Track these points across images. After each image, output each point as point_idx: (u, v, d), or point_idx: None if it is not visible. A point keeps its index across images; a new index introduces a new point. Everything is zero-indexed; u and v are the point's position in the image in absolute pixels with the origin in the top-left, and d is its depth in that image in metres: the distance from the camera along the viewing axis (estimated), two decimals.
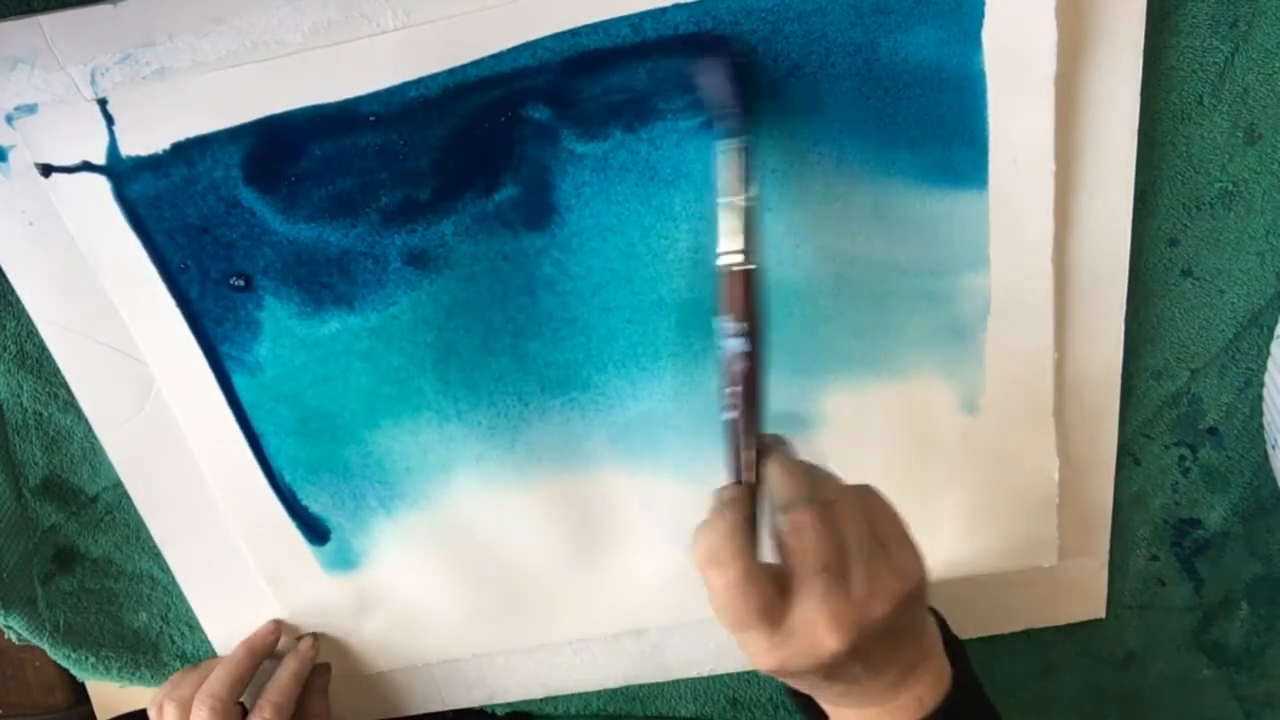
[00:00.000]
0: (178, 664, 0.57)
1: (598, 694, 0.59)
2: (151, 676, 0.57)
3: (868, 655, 0.36)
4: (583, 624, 0.55)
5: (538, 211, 0.44)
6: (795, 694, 0.43)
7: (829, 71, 0.41)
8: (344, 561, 0.53)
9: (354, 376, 0.47)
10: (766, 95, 0.41)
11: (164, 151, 0.42)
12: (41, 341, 0.48)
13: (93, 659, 0.56)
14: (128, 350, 0.48)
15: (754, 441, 0.39)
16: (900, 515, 0.39)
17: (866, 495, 0.39)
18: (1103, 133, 0.43)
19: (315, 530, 0.52)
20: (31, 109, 0.42)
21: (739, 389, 0.39)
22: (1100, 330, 0.47)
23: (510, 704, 0.59)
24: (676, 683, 0.59)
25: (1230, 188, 0.46)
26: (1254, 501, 0.53)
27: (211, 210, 0.44)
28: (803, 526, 0.36)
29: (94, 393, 0.49)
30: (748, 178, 0.39)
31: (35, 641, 0.54)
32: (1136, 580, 0.56)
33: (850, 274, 0.45)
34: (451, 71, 0.41)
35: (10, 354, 0.49)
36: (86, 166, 0.43)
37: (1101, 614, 0.56)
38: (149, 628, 0.56)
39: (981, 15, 0.40)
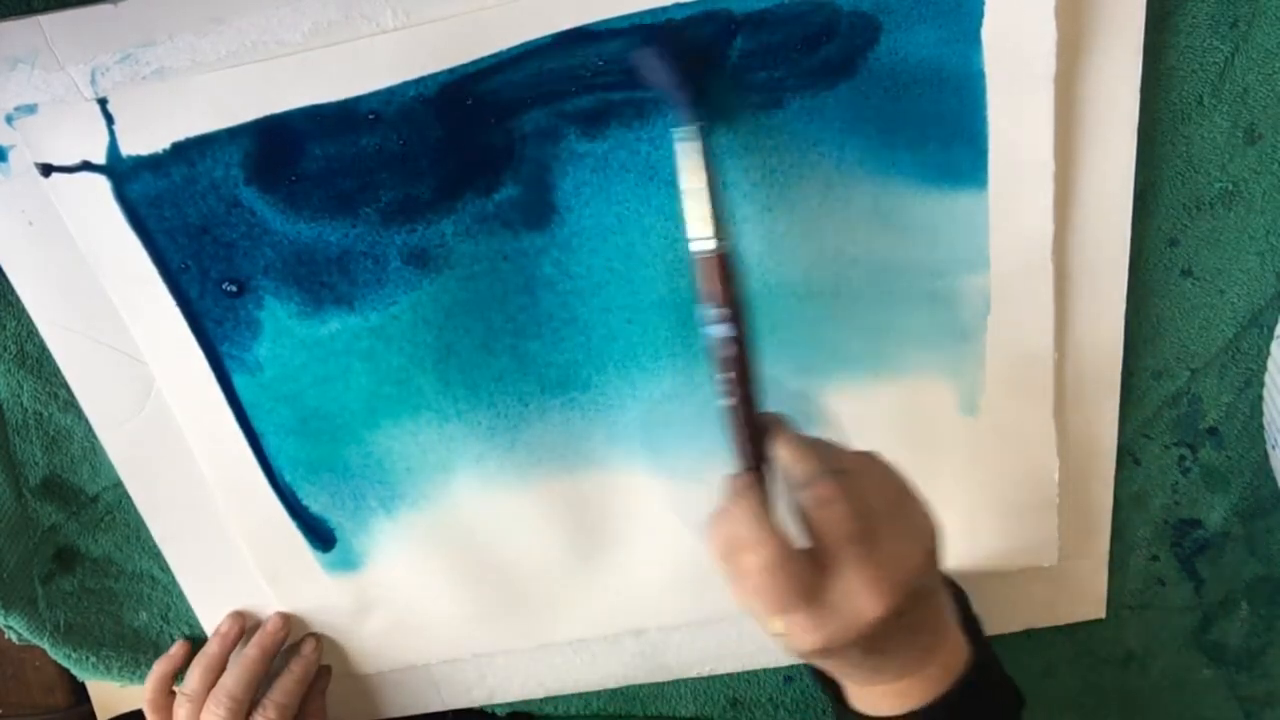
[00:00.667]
0: None
1: (598, 694, 0.59)
2: None
3: (904, 618, 0.36)
4: (583, 624, 0.55)
5: (538, 211, 0.44)
6: (823, 681, 0.43)
7: (828, 71, 0.41)
8: (344, 562, 0.53)
9: (354, 376, 0.47)
10: (727, 82, 0.41)
11: (164, 151, 0.42)
12: (41, 341, 0.48)
13: (93, 659, 0.56)
14: (128, 350, 0.48)
15: (755, 424, 0.39)
16: (904, 474, 0.39)
17: (874, 458, 0.39)
18: (1103, 133, 0.43)
19: (321, 537, 0.52)
20: (31, 109, 0.42)
21: (731, 374, 0.39)
22: (1100, 330, 0.47)
23: (510, 704, 0.59)
24: (676, 683, 0.59)
25: (1230, 188, 0.46)
26: (1254, 501, 0.53)
27: (211, 210, 0.44)
28: (827, 498, 0.36)
29: (94, 393, 0.49)
30: (707, 163, 0.39)
31: (35, 641, 0.54)
32: (1136, 580, 0.56)
33: (850, 274, 0.45)
34: (451, 71, 0.41)
35: (10, 354, 0.49)
36: (86, 166, 0.43)
37: (1101, 614, 0.56)
38: (149, 627, 0.56)
39: (981, 15, 0.40)
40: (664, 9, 0.40)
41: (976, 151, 0.43)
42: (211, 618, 0.55)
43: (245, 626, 0.54)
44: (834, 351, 0.47)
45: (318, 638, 0.55)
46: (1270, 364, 0.48)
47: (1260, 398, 0.50)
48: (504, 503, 0.51)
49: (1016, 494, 0.51)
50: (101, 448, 0.51)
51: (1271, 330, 0.48)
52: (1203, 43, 0.43)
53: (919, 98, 0.42)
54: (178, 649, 0.55)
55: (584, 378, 0.48)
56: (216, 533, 0.52)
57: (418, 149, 0.43)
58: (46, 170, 0.43)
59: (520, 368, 0.47)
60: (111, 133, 0.42)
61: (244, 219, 0.44)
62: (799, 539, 0.37)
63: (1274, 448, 0.50)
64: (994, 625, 0.56)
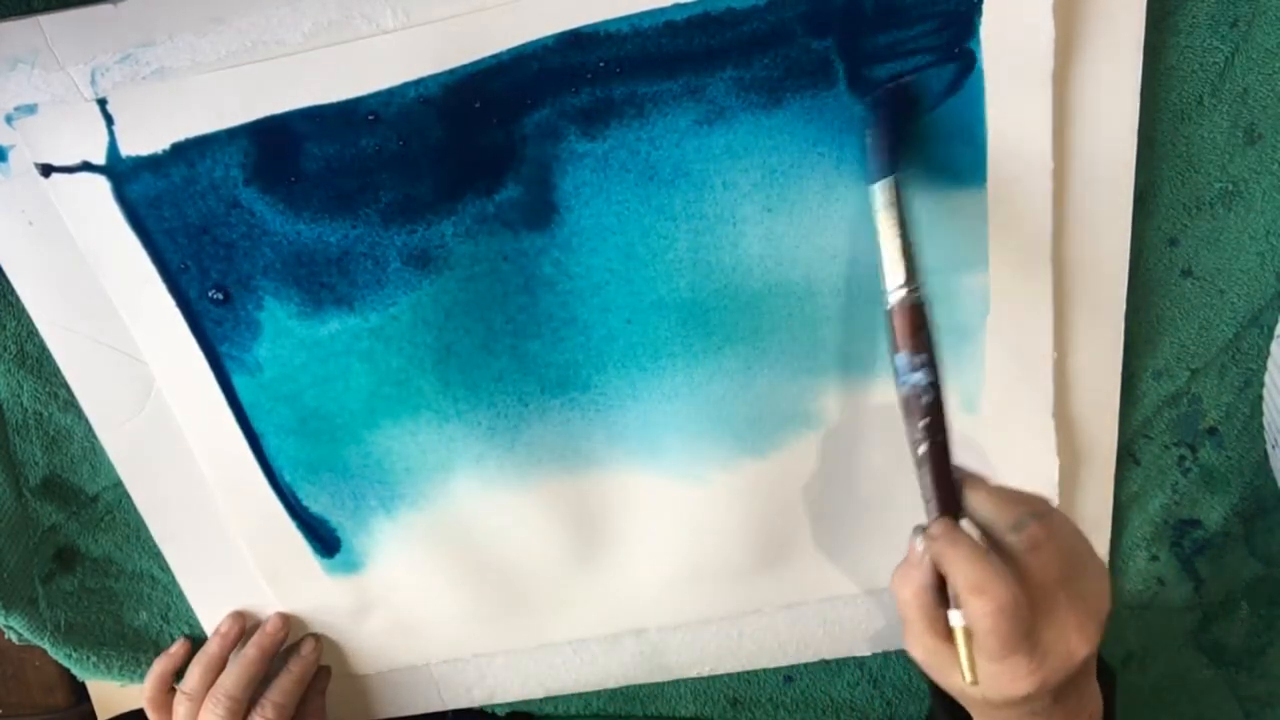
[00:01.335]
0: None
1: (598, 694, 0.59)
2: None
3: (1092, 660, 0.37)
4: (583, 624, 0.55)
5: (538, 211, 0.44)
6: (943, 703, 0.43)
7: (828, 71, 0.41)
8: (344, 562, 0.53)
9: (354, 377, 0.47)
10: (915, 127, 0.42)
11: (164, 151, 0.42)
12: (41, 341, 0.48)
13: (93, 658, 0.56)
14: (128, 350, 0.48)
15: (948, 473, 0.39)
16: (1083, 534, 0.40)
17: (1050, 502, 0.40)
18: (1103, 133, 0.43)
19: (325, 542, 0.52)
20: (31, 109, 0.42)
21: (928, 421, 0.39)
22: (1100, 330, 0.47)
23: (510, 704, 0.59)
24: (676, 683, 0.59)
25: (1230, 188, 0.46)
26: (1254, 501, 0.53)
27: (211, 210, 0.44)
28: (1039, 542, 0.36)
29: (94, 393, 0.49)
30: (902, 213, 0.40)
31: (36, 641, 0.54)
32: (1136, 580, 0.56)
33: (850, 274, 0.45)
34: (451, 71, 0.41)
35: (10, 354, 0.49)
36: (86, 166, 0.43)
37: None
38: (149, 627, 0.56)
39: (980, 15, 0.40)
40: (664, 9, 0.40)
41: (976, 151, 0.43)
42: (211, 618, 0.55)
43: (245, 626, 0.54)
44: (834, 351, 0.47)
45: (317, 638, 0.55)
46: (1270, 364, 0.48)
47: (1260, 398, 0.50)
48: (504, 503, 0.51)
49: None
50: (101, 448, 0.51)
51: (1271, 330, 0.48)
52: (1203, 43, 0.43)
53: (919, 97, 0.42)
54: (178, 647, 0.55)
55: (584, 378, 0.48)
56: (216, 533, 0.52)
57: (417, 149, 0.43)
58: (46, 170, 0.43)
59: (520, 368, 0.47)
60: (111, 133, 0.42)
61: (244, 219, 0.44)
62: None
63: (1274, 448, 0.50)
64: None
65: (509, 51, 0.41)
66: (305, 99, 0.41)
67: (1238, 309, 0.48)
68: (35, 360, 0.49)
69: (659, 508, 0.51)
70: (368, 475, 0.50)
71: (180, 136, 0.42)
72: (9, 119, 0.42)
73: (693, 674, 0.58)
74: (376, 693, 0.58)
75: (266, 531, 0.52)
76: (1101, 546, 0.54)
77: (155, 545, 0.53)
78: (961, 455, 0.40)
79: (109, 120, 0.42)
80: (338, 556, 0.53)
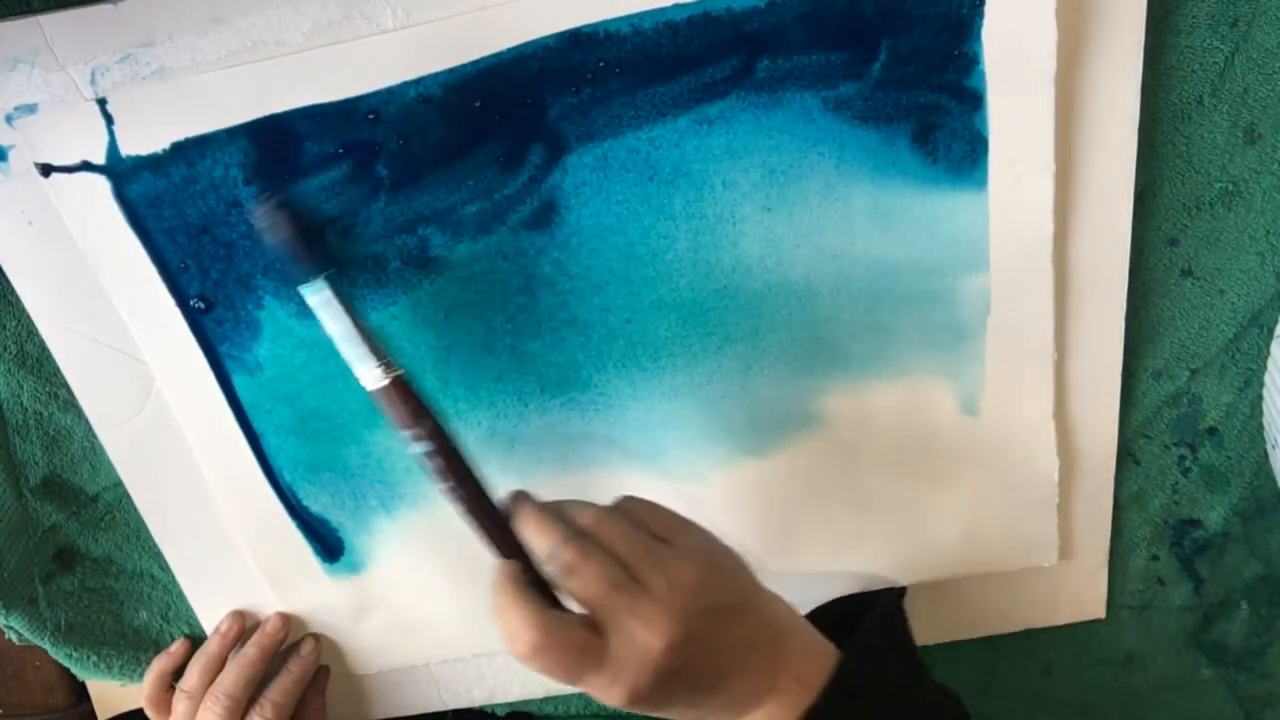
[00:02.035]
0: None
1: None
2: None
3: (709, 639, 0.36)
4: None
5: (537, 211, 0.44)
6: None
7: (828, 71, 0.41)
8: (344, 562, 0.53)
9: (354, 377, 0.47)
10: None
11: (164, 151, 0.42)
12: (41, 341, 0.48)
13: (94, 658, 0.56)
14: (128, 350, 0.48)
15: (495, 514, 0.40)
16: (670, 509, 0.39)
17: (627, 504, 0.40)
18: (1103, 133, 0.43)
19: (328, 547, 0.52)
20: (31, 109, 0.42)
21: (450, 483, 0.40)
22: (1100, 330, 0.47)
23: (510, 704, 0.59)
24: None
25: (1230, 188, 0.46)
26: (1254, 501, 0.53)
27: (211, 210, 0.44)
28: (570, 566, 0.37)
29: (94, 392, 0.49)
30: (346, 305, 0.41)
31: (36, 641, 0.54)
32: (1136, 580, 0.56)
33: (850, 274, 0.45)
34: (451, 71, 0.41)
35: (10, 354, 0.49)
36: (86, 166, 0.43)
37: (1101, 614, 0.56)
38: (149, 626, 0.56)
39: (981, 15, 0.40)
40: (664, 9, 0.40)
41: (976, 151, 0.43)
42: (211, 617, 0.55)
43: (245, 626, 0.54)
44: (834, 351, 0.47)
45: (317, 638, 0.55)
46: (1270, 364, 0.48)
47: (1260, 398, 0.50)
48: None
49: (1016, 494, 0.51)
50: (101, 448, 0.51)
51: (1271, 330, 0.48)
52: (1203, 43, 0.43)
53: (919, 98, 0.42)
54: (178, 646, 0.55)
55: (584, 378, 0.48)
56: (216, 533, 0.52)
57: (417, 149, 0.43)
58: (46, 170, 0.43)
59: (520, 368, 0.47)
60: (111, 133, 0.42)
61: (244, 219, 0.44)
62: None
63: (1274, 448, 0.50)
64: (994, 625, 0.56)
65: (509, 51, 0.41)
66: (305, 99, 0.41)
67: (1238, 309, 0.48)
68: (35, 360, 0.49)
69: None
70: (368, 475, 0.50)
71: (180, 136, 0.42)
72: (9, 119, 0.42)
73: None
74: (376, 693, 0.58)
75: (266, 531, 0.52)
76: (1101, 546, 0.54)
77: (155, 545, 0.53)
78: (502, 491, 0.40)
79: (109, 120, 0.42)
80: (339, 559, 0.53)
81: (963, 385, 0.48)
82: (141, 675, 0.56)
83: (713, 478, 0.50)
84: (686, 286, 0.45)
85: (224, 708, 0.50)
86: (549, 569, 0.37)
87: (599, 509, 0.39)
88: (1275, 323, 0.48)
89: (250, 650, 0.53)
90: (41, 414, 0.51)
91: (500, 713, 0.60)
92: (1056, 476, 0.50)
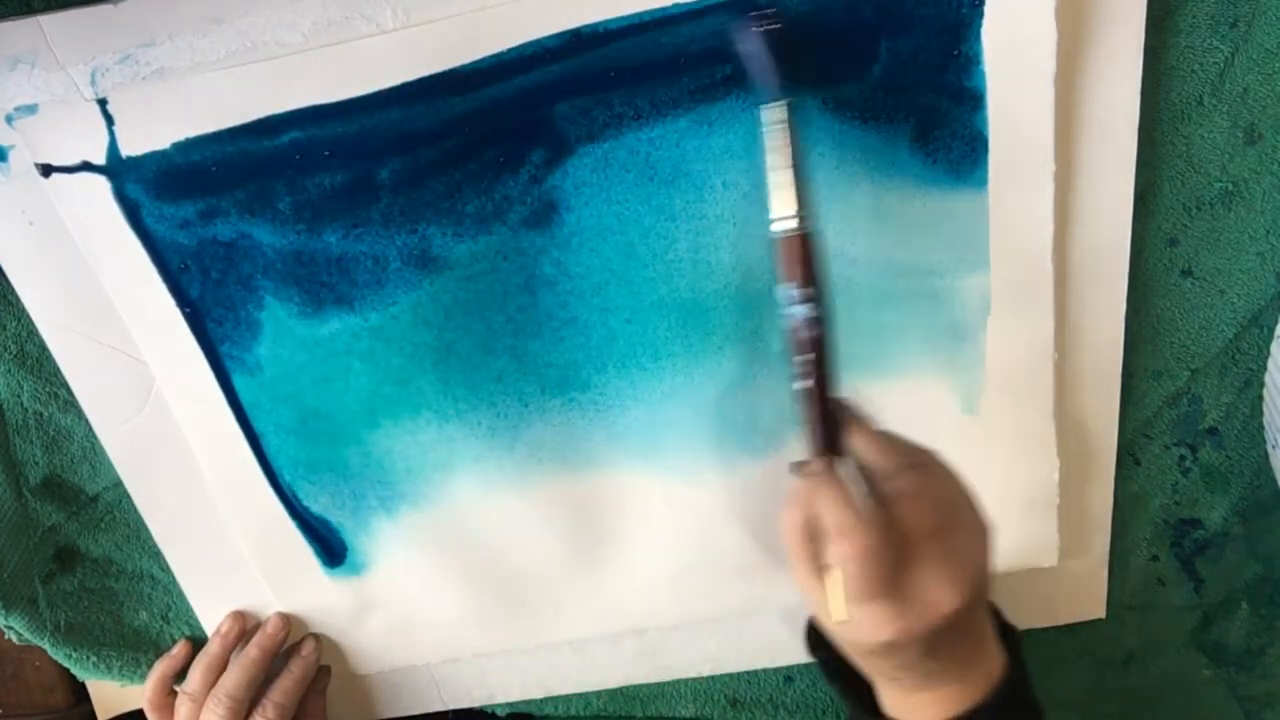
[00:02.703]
0: None
1: (598, 694, 0.59)
2: None
3: (971, 615, 0.37)
4: (583, 624, 0.55)
5: (538, 211, 0.44)
6: (841, 683, 0.43)
7: (828, 72, 0.41)
8: (345, 563, 0.53)
9: (354, 376, 0.47)
10: (801, 59, 0.40)
11: (164, 151, 0.42)
12: (41, 341, 0.48)
13: (93, 658, 0.56)
14: (128, 350, 0.48)
15: (831, 409, 0.39)
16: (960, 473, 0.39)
17: (938, 456, 0.40)
18: (1103, 133, 0.43)
19: (330, 550, 0.52)
20: (31, 109, 0.42)
21: (810, 356, 0.38)
22: (1100, 330, 0.47)
23: (510, 704, 0.59)
24: (676, 683, 0.59)
25: (1230, 188, 0.46)
26: (1254, 501, 0.53)
27: (212, 210, 0.44)
28: (911, 492, 0.37)
29: (94, 393, 0.49)
30: (794, 140, 0.38)
31: (36, 641, 0.54)
32: (1136, 580, 0.56)
33: (850, 274, 0.45)
34: (451, 72, 0.41)
35: (10, 354, 0.49)
36: (86, 166, 0.43)
37: (1101, 614, 0.56)
38: (149, 627, 0.56)
39: (981, 15, 0.40)
40: (664, 9, 0.40)
41: (976, 151, 0.43)
42: (211, 618, 0.55)
43: (246, 626, 0.54)
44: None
45: (317, 638, 0.55)
46: (1270, 364, 0.48)
47: (1260, 398, 0.50)
48: (504, 503, 0.51)
49: (1016, 494, 0.51)
50: (101, 448, 0.51)
51: (1271, 330, 0.48)
52: (1203, 43, 0.43)
53: (919, 98, 0.42)
54: (179, 649, 0.55)
55: (584, 378, 0.48)
56: (216, 533, 0.52)
57: (418, 150, 0.43)
58: (46, 170, 0.43)
59: (520, 368, 0.47)
60: (111, 133, 0.42)
61: (244, 219, 0.44)
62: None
63: (1274, 448, 0.50)
64: None
65: (510, 51, 0.41)
66: (305, 99, 0.41)
67: (1238, 309, 0.48)
68: (35, 360, 0.49)
69: (659, 508, 0.51)
70: (368, 475, 0.50)
71: (180, 136, 0.42)
72: (9, 119, 0.42)
73: (693, 674, 0.58)
74: (377, 693, 0.58)
75: (266, 532, 0.52)
76: (1102, 546, 0.54)
77: (155, 545, 0.53)
78: (848, 395, 0.40)
79: (109, 120, 0.42)
80: (341, 563, 0.53)
81: (963, 385, 0.48)
82: (141, 676, 0.56)
83: (712, 478, 0.50)
84: (687, 287, 0.45)
85: (226, 709, 0.50)
86: (886, 485, 0.37)
87: (925, 449, 0.39)
88: (1275, 323, 0.48)
89: (251, 651, 0.53)
90: (41, 414, 0.51)
91: (500, 713, 0.60)
92: (1056, 476, 0.50)
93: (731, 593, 0.54)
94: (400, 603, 0.54)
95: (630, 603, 0.54)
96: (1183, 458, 0.52)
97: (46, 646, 0.55)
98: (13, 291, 0.46)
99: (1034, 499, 0.51)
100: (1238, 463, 0.52)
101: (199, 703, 0.51)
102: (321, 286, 0.45)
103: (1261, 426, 0.51)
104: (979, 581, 0.37)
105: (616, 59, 0.41)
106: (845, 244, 0.45)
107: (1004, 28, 0.40)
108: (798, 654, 0.57)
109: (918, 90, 0.42)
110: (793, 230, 0.38)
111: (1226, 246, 0.47)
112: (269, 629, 0.54)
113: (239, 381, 0.48)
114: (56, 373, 0.49)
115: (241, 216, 0.44)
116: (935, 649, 0.37)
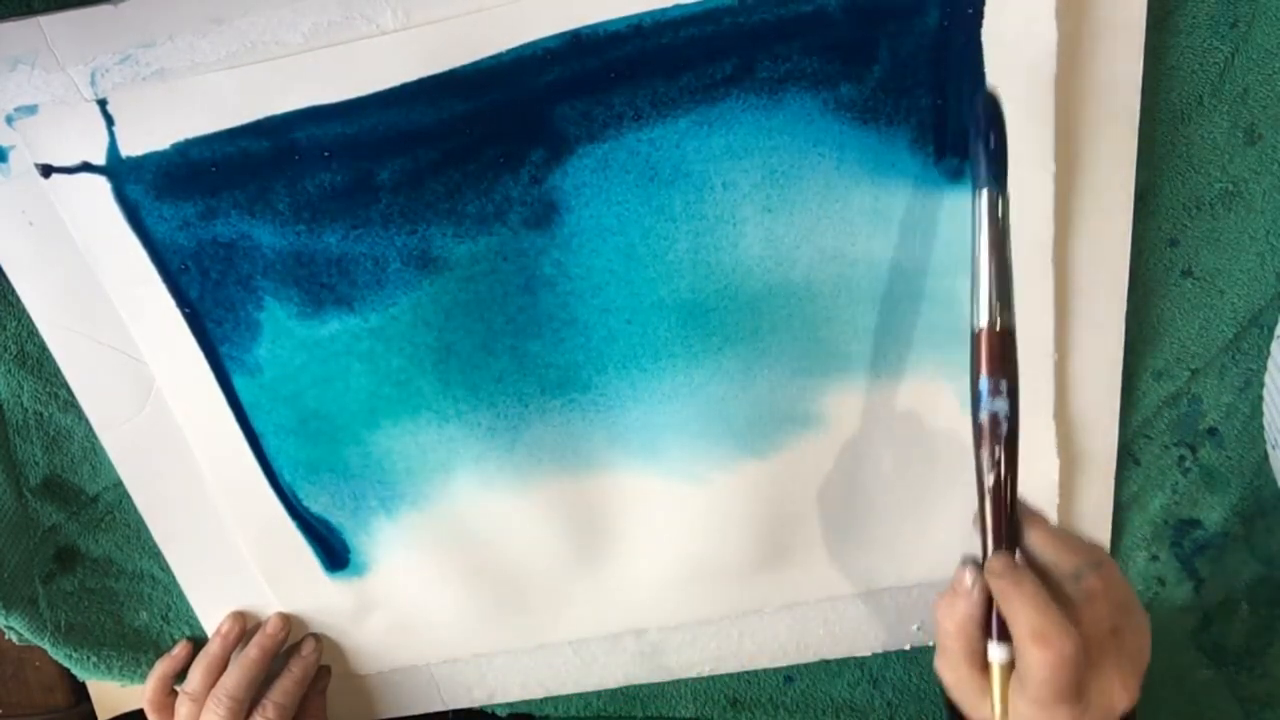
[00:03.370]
0: None
1: (598, 694, 0.59)
2: None
3: (1130, 715, 0.37)
4: (583, 624, 0.55)
5: (538, 212, 0.44)
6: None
7: (828, 72, 0.41)
8: (346, 565, 0.53)
9: (354, 377, 0.47)
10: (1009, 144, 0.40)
11: (164, 152, 0.42)
12: (42, 341, 0.48)
13: (93, 658, 0.56)
14: (128, 350, 0.48)
15: (1008, 510, 0.38)
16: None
17: (1107, 552, 0.40)
18: (1103, 133, 0.43)
19: (333, 554, 0.52)
20: (32, 109, 0.42)
21: (1003, 452, 0.38)
22: (1100, 330, 0.47)
23: (510, 704, 0.59)
24: (676, 683, 0.59)
25: (1230, 188, 0.46)
26: (1254, 501, 0.53)
27: (211, 211, 0.44)
28: (1096, 594, 0.37)
29: (94, 393, 0.49)
30: (1007, 234, 0.38)
31: (36, 641, 0.54)
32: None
33: (850, 274, 0.45)
34: (451, 72, 0.41)
35: (10, 354, 0.49)
36: (86, 167, 0.43)
37: None
38: (149, 627, 0.56)
39: (981, 15, 0.40)
40: (664, 10, 0.40)
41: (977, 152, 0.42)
42: (212, 618, 0.55)
43: (246, 626, 0.54)
44: (834, 352, 0.47)
45: (317, 638, 0.55)
46: (1270, 364, 0.48)
47: (1260, 398, 0.50)
48: (504, 503, 0.51)
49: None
50: (101, 448, 0.51)
51: (1271, 330, 0.48)
52: (1203, 43, 0.43)
53: (919, 98, 0.42)
54: (180, 649, 0.55)
55: (584, 379, 0.48)
56: (217, 533, 0.52)
57: (417, 150, 0.43)
58: (46, 171, 0.43)
59: (520, 368, 0.47)
60: (111, 133, 0.42)
61: (244, 219, 0.44)
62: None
63: (1274, 448, 0.50)
64: None
65: (510, 52, 0.41)
66: (305, 99, 0.41)
67: (1238, 309, 0.48)
68: (35, 360, 0.49)
69: (659, 508, 0.51)
70: (368, 475, 0.50)
71: (180, 137, 0.42)
72: (9, 119, 0.42)
73: (693, 674, 0.58)
74: (377, 693, 0.58)
75: (266, 532, 0.52)
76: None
77: (155, 545, 0.53)
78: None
79: (109, 121, 0.42)
80: (344, 567, 0.53)
81: (963, 385, 0.48)
82: (141, 676, 0.56)
83: (713, 478, 0.50)
84: (687, 287, 0.45)
85: (226, 709, 0.50)
86: (1071, 587, 0.37)
87: (1095, 546, 0.39)
88: (1275, 323, 0.48)
89: (252, 651, 0.53)
90: (42, 414, 0.51)
91: (500, 713, 0.60)
92: (1057, 476, 0.50)
93: (731, 593, 0.54)
94: (400, 603, 0.54)
95: (630, 603, 0.54)
96: (1182, 458, 0.52)
97: (46, 646, 0.55)
98: (13, 291, 0.46)
99: (1034, 499, 0.51)
100: (1238, 463, 0.52)
101: (199, 703, 0.51)
102: (321, 287, 0.45)
103: (1261, 426, 0.51)
104: (1139, 681, 0.37)
105: (616, 60, 0.41)
106: (845, 244, 0.45)
107: (1004, 28, 0.40)
108: (798, 654, 0.57)
109: (918, 90, 0.42)
110: (999, 324, 0.38)
111: (1226, 246, 0.47)
112: (269, 629, 0.54)
113: (239, 382, 0.48)
114: (56, 373, 0.49)
115: (241, 217, 0.44)
116: None
